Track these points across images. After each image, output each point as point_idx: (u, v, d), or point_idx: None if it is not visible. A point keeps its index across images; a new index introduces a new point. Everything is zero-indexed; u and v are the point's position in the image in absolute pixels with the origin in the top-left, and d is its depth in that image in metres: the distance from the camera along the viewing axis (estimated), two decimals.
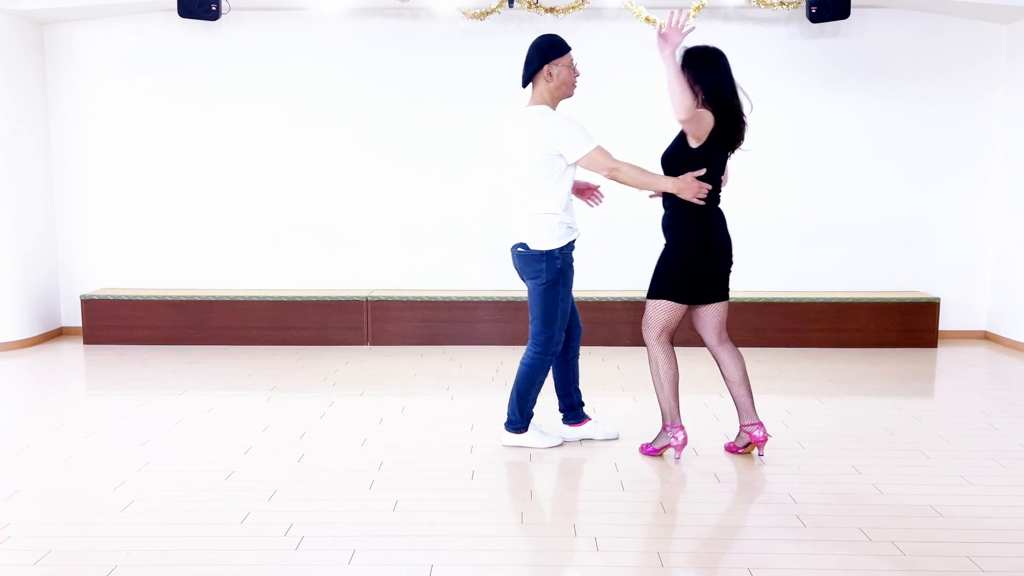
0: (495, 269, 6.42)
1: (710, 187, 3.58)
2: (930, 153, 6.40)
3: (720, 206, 3.69)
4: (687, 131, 3.55)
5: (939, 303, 6.20)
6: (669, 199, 3.67)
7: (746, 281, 6.55)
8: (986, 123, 6.36)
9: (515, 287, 6.28)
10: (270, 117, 6.46)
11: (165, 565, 2.75)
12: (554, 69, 3.67)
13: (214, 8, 5.92)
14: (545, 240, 3.70)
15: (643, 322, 3.78)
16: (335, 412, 4.53)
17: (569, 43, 3.80)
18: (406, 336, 6.23)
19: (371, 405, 4.66)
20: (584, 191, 4.01)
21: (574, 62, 3.76)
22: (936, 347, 6.19)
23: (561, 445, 3.98)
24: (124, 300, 6.23)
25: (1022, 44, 6.08)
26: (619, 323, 6.22)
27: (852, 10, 6.05)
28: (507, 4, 5.89)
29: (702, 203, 3.57)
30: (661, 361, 3.75)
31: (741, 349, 6.08)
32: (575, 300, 4.00)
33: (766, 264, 6.52)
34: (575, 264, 3.82)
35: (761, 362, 5.73)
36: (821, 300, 6.20)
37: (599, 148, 3.62)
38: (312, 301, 6.24)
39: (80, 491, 3.40)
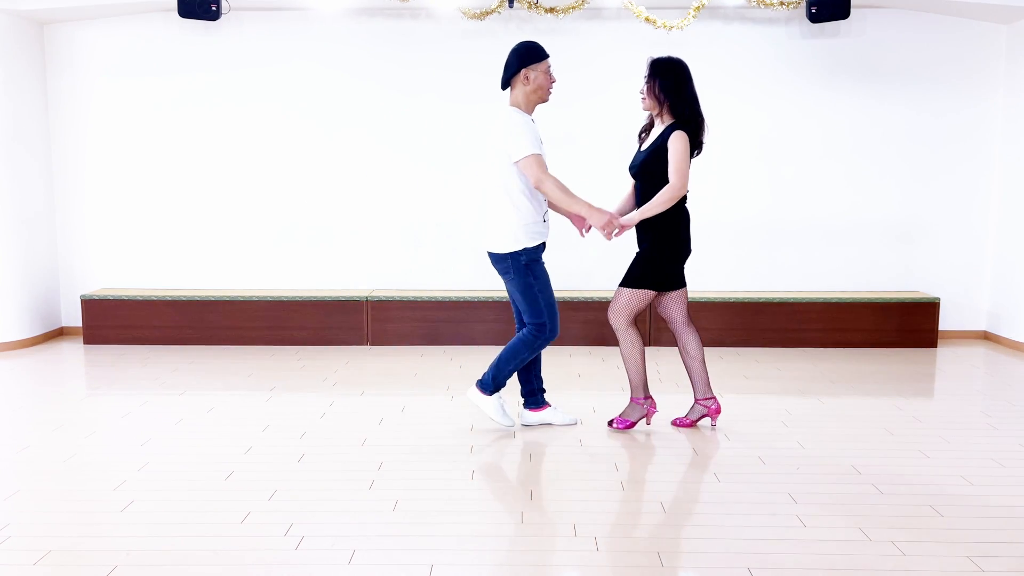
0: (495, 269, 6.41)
1: (624, 227, 3.88)
2: (930, 153, 6.40)
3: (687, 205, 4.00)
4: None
5: (939, 303, 6.20)
6: (648, 196, 3.90)
7: (746, 281, 6.56)
8: (986, 123, 6.36)
9: None
10: (270, 117, 6.46)
11: (165, 565, 2.75)
12: (531, 74, 3.87)
13: (214, 8, 5.92)
14: (502, 243, 3.91)
15: (616, 311, 4.00)
16: (335, 412, 4.53)
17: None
18: (406, 336, 6.23)
19: (371, 405, 4.66)
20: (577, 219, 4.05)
21: (551, 69, 3.95)
22: (936, 347, 6.19)
23: (512, 428, 4.18)
24: (124, 300, 6.23)
25: (1022, 44, 6.08)
26: None
27: (852, 10, 6.06)
28: (507, 4, 5.89)
29: (609, 238, 3.91)
30: (638, 342, 4.03)
31: (741, 349, 6.15)
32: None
33: (766, 264, 6.52)
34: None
35: (761, 362, 5.73)
36: (821, 300, 6.20)
37: (536, 156, 3.77)
38: (312, 301, 6.24)
39: (80, 491, 3.40)
